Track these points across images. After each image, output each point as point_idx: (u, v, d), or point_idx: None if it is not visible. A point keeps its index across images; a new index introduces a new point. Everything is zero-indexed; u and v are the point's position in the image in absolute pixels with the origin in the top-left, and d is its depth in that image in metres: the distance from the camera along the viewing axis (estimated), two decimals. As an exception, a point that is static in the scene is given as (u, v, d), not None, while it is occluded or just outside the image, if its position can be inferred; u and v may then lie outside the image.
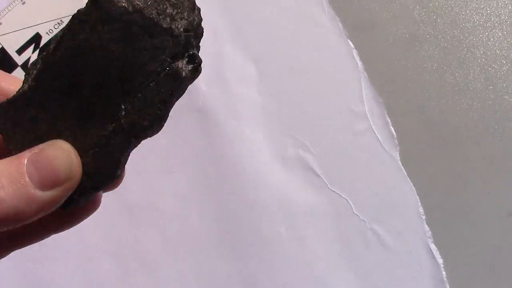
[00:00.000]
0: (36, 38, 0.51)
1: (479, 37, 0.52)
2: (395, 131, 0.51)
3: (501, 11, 0.53)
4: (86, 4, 0.23)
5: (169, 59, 0.23)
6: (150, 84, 0.23)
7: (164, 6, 0.23)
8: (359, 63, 0.52)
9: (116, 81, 0.23)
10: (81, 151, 0.24)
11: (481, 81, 0.52)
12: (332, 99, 0.51)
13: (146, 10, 0.22)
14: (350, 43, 0.52)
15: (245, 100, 0.51)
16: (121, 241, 0.48)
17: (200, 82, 0.50)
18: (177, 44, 0.23)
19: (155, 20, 0.23)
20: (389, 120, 0.51)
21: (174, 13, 0.23)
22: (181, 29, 0.23)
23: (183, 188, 0.49)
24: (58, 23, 0.52)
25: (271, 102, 0.51)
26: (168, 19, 0.23)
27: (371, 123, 0.51)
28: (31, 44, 0.51)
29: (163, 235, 0.48)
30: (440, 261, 0.48)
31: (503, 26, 0.52)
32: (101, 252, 0.48)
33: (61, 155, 0.22)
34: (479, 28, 0.53)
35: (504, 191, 0.50)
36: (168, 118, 0.24)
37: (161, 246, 0.48)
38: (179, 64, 0.23)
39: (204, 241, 0.48)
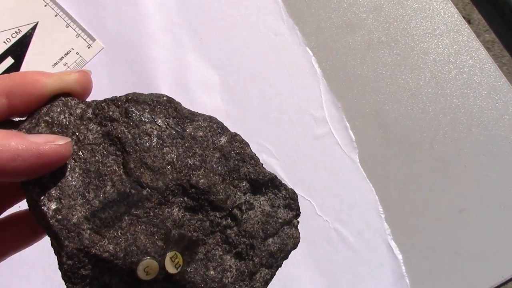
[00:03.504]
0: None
1: (429, 44, 0.56)
2: (353, 134, 0.53)
3: (448, 19, 0.56)
4: None
5: None
6: None
7: None
8: (318, 70, 0.54)
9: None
10: None
11: (432, 86, 0.55)
12: (293, 104, 0.53)
13: None
14: (309, 50, 0.55)
15: (208, 108, 0.52)
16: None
17: (163, 91, 0.51)
18: None
19: None
20: (347, 124, 0.53)
21: None
22: None
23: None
24: (16, 32, 0.52)
25: (234, 109, 0.52)
26: None
27: (331, 127, 0.53)
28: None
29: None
30: (400, 256, 0.51)
31: (450, 33, 0.56)
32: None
33: None
34: (428, 36, 0.56)
35: (456, 189, 0.53)
36: None
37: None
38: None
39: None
